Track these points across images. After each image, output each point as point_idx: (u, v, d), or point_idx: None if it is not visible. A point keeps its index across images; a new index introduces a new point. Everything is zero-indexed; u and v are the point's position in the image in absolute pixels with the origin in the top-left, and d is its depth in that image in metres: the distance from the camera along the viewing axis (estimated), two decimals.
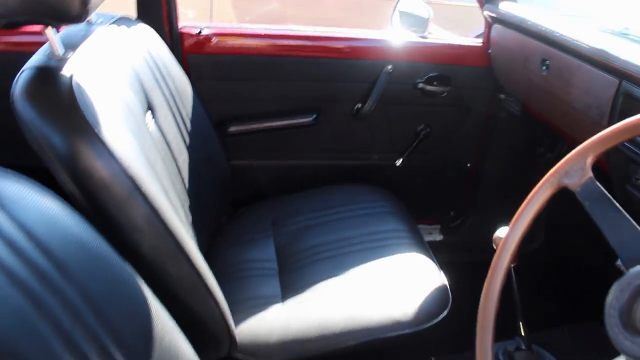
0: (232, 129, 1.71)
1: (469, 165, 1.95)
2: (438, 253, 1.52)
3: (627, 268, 0.72)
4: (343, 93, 1.73)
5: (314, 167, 1.82)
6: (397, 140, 1.84)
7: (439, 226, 2.07)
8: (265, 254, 1.44)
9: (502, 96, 1.75)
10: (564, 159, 0.85)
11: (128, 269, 0.83)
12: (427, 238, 2.01)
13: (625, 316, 0.69)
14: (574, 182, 0.83)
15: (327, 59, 1.67)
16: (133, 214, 0.95)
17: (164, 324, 0.87)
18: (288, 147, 1.80)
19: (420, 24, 1.72)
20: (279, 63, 1.66)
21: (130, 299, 0.82)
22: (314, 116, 1.72)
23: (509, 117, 1.78)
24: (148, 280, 0.88)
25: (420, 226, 1.99)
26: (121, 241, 0.89)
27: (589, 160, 0.82)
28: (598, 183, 0.81)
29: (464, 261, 1.47)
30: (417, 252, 1.38)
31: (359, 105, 1.73)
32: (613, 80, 1.16)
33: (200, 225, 1.27)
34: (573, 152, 0.84)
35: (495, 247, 0.96)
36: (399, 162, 1.86)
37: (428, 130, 1.81)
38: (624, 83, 1.14)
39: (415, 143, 1.83)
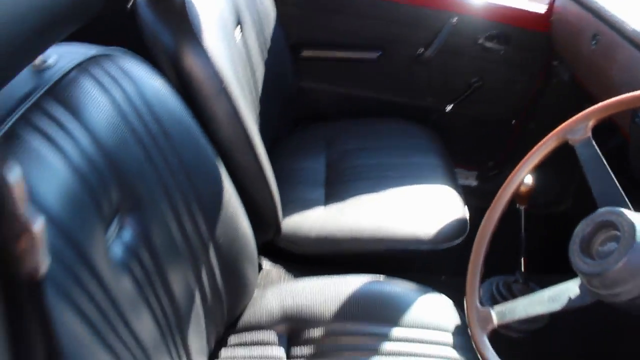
0: (306, 53, 1.90)
1: (514, 122, 2.09)
2: (469, 197, 1.71)
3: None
4: (408, 37, 1.87)
5: (371, 99, 2.00)
6: (451, 88, 1.99)
7: (475, 173, 2.23)
8: (317, 166, 1.66)
9: (555, 63, 1.87)
10: (571, 119, 1.03)
11: (210, 147, 1.06)
12: (462, 181, 2.18)
13: (585, 244, 0.88)
14: (575, 139, 1.02)
15: (398, 4, 1.81)
16: (217, 108, 1.17)
17: (231, 197, 1.10)
18: (351, 78, 1.98)
19: None
20: (354, 1, 1.82)
21: (209, 170, 1.05)
22: (379, 53, 1.89)
23: (559, 84, 1.90)
24: (224, 165, 1.11)
25: (457, 169, 2.17)
26: (205, 130, 1.12)
27: (591, 123, 1.01)
28: (594, 143, 0.99)
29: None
30: (447, 186, 1.57)
31: (421, 50, 1.89)
32: None
33: (266, 131, 1.49)
34: (579, 114, 1.02)
35: None
36: (448, 108, 2.02)
37: (480, 83, 1.96)
38: None
39: (467, 93, 1.98)
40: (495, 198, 1.11)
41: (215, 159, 1.07)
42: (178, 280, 0.95)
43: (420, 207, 1.48)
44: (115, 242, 0.83)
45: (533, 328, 1.42)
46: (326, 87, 1.99)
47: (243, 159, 1.23)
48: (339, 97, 2.00)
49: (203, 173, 1.02)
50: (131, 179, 0.86)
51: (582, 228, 0.90)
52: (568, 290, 0.94)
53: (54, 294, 0.66)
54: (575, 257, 0.88)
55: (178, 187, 0.95)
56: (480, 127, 2.11)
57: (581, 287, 0.92)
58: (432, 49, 1.86)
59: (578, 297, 0.92)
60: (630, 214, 0.86)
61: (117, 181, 0.83)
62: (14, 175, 0.34)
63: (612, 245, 0.86)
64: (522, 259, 1.44)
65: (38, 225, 0.35)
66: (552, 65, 1.89)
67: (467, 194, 1.69)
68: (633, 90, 1.36)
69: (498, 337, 1.41)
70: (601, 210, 0.89)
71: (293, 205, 1.49)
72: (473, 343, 1.02)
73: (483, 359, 0.98)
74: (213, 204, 1.04)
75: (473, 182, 2.23)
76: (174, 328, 0.95)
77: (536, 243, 1.49)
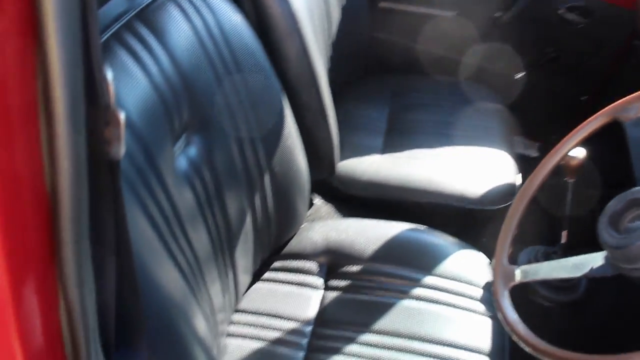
0: (383, 4, 1.92)
1: (584, 98, 2.07)
2: (527, 166, 1.72)
3: None
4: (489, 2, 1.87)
5: (442, 57, 2.00)
6: (523, 56, 1.98)
7: (537, 144, 2.22)
8: (379, 114, 1.71)
9: (637, 42, 1.83)
10: (625, 98, 1.04)
11: (277, 83, 1.13)
12: (522, 151, 2.18)
13: (615, 219, 0.92)
14: (626, 116, 1.03)
15: None
16: (289, 47, 1.23)
17: (291, 131, 1.17)
18: (425, 34, 1.98)
19: None
20: None
21: (274, 103, 1.13)
22: (455, 12, 1.88)
23: (637, 65, 1.86)
24: (288, 101, 1.18)
25: (519, 138, 2.17)
26: (275, 66, 1.18)
27: None
28: None
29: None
30: (503, 151, 1.60)
31: (499, 13, 1.87)
32: None
33: (334, 74, 1.54)
34: (633, 94, 1.03)
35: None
36: (519, 76, 2.01)
37: (555, 55, 1.94)
38: None
39: (540, 63, 1.97)
40: (539, 165, 1.14)
41: (281, 94, 1.14)
42: (233, 201, 1.05)
43: (472, 167, 1.51)
44: (181, 156, 0.92)
45: (565, 300, 1.46)
46: (399, 40, 2.00)
47: (308, 98, 1.30)
48: (410, 51, 2.02)
49: (267, 105, 1.10)
50: (202, 101, 0.95)
51: (615, 203, 0.93)
52: (593, 260, 0.98)
53: (125, 190, 0.75)
54: (603, 229, 0.92)
55: (243, 115, 1.03)
56: (549, 100, 2.09)
57: (605, 259, 0.96)
58: (510, 13, 1.84)
59: (600, 268, 0.96)
60: None
61: (189, 101, 0.92)
62: (110, 74, 0.42)
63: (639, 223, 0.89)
64: (564, 232, 1.46)
65: (122, 116, 0.43)
66: (633, 45, 1.85)
67: (525, 164, 1.71)
68: None
69: (529, 303, 1.45)
70: (637, 188, 0.92)
71: (351, 148, 1.56)
72: (493, 295, 1.07)
73: (499, 309, 1.03)
74: (273, 135, 1.12)
75: (534, 153, 2.22)
76: (224, 244, 1.04)
77: (583, 219, 1.51)
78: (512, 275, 1.04)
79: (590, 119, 1.09)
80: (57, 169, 0.39)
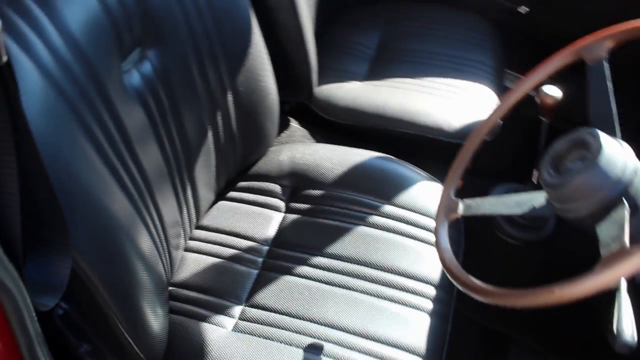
0: None
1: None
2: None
3: None
4: None
5: None
6: None
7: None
8: (369, 41, 1.67)
9: None
10: (590, 36, 1.01)
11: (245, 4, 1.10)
12: (511, 85, 2.13)
13: (557, 159, 0.91)
14: (590, 57, 1.00)
15: None
16: None
17: (259, 49, 1.15)
18: None
19: None
20: None
21: (239, 20, 1.10)
22: None
23: None
24: (262, 22, 1.15)
25: (511, 73, 2.11)
26: None
27: (607, 43, 0.98)
28: (607, 65, 0.98)
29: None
30: (489, 87, 1.56)
31: None
32: None
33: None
34: (596, 33, 1.00)
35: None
36: (523, 10, 1.93)
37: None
38: None
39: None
40: (502, 99, 1.12)
41: (249, 11, 1.12)
42: (192, 119, 1.05)
43: (454, 100, 1.49)
44: (133, 72, 0.91)
45: (531, 238, 1.47)
46: None
47: (284, 18, 1.27)
48: None
49: (232, 21, 1.08)
50: (156, 15, 0.93)
51: (559, 143, 0.91)
52: (535, 199, 0.98)
53: (68, 114, 0.75)
54: (543, 168, 0.91)
55: (204, 31, 1.02)
56: (548, 38, 2.01)
57: (546, 198, 0.96)
58: None
59: (541, 207, 0.96)
60: (605, 137, 0.87)
61: (142, 15, 0.90)
62: None
63: (579, 164, 0.88)
64: (535, 172, 1.45)
65: None
66: None
67: None
68: None
69: (495, 240, 1.47)
70: (581, 129, 0.90)
71: (333, 73, 1.54)
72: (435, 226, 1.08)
73: (436, 241, 1.04)
74: (238, 53, 1.10)
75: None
76: (182, 162, 1.05)
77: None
78: (455, 207, 1.05)
79: (554, 55, 1.06)
80: None
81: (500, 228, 1.48)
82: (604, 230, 0.84)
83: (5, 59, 0.45)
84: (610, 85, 0.96)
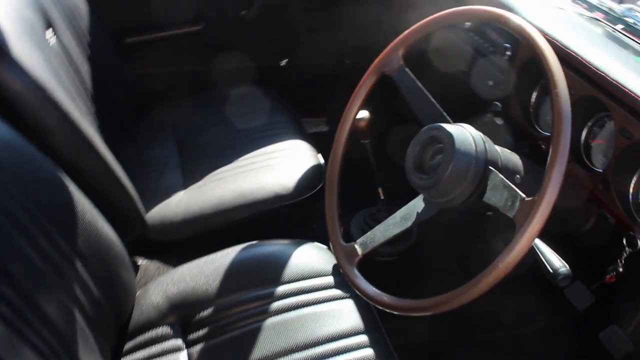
0: (129, 40, 1.83)
1: (348, 62, 2.17)
2: (325, 142, 1.78)
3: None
4: (231, 3, 1.86)
5: (207, 70, 1.97)
6: (281, 42, 2.02)
7: (325, 119, 2.31)
8: (168, 151, 1.64)
9: None
10: (383, 53, 1.11)
11: (47, 161, 1.01)
12: (313, 130, 2.25)
13: (418, 162, 0.97)
14: (391, 69, 1.10)
15: None
16: (46, 119, 1.11)
17: (84, 204, 1.06)
18: (182, 54, 1.94)
19: None
20: None
21: (52, 183, 1.01)
22: (203, 24, 1.86)
23: None
24: (70, 174, 1.07)
25: (306, 119, 2.23)
26: (41, 144, 1.07)
27: (400, 52, 1.10)
28: (408, 70, 1.08)
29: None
30: (297, 139, 1.62)
31: (245, 12, 1.88)
32: None
33: (108, 128, 1.44)
34: (388, 47, 1.10)
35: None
36: (283, 62, 2.05)
37: (306, 30, 2.00)
38: None
39: (298, 44, 2.02)
40: (335, 140, 1.18)
41: (57, 171, 1.03)
42: (52, 305, 0.92)
43: (276, 165, 1.52)
44: None
45: (401, 249, 1.54)
46: (160, 69, 1.94)
47: (88, 163, 1.19)
48: (174, 76, 1.97)
49: (46, 188, 0.98)
50: None
51: (412, 149, 0.98)
52: (415, 207, 1.03)
53: None
54: (411, 175, 0.97)
55: (22, 209, 0.91)
56: (317, 73, 2.16)
57: (424, 201, 1.02)
58: (254, 9, 1.86)
59: (424, 211, 1.01)
60: (448, 126, 0.95)
61: None
62: None
63: (439, 158, 0.95)
64: (379, 189, 1.53)
65: None
66: None
67: (322, 141, 1.76)
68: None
69: (372, 264, 1.51)
70: (424, 129, 0.98)
71: (153, 195, 1.47)
72: (345, 277, 1.09)
73: (356, 288, 1.05)
74: (66, 216, 1.01)
75: (324, 128, 2.30)
76: (62, 355, 0.92)
77: (390, 170, 1.59)
78: (354, 251, 1.06)
79: (361, 82, 1.15)
80: None
81: (375, 253, 1.53)
82: (494, 198, 0.90)
83: None
84: (419, 83, 1.06)
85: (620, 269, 1.10)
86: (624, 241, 1.06)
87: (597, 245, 1.20)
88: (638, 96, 0.98)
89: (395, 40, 1.11)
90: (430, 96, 1.05)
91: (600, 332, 1.54)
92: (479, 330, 1.58)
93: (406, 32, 1.10)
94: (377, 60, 1.13)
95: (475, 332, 1.57)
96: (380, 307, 1.00)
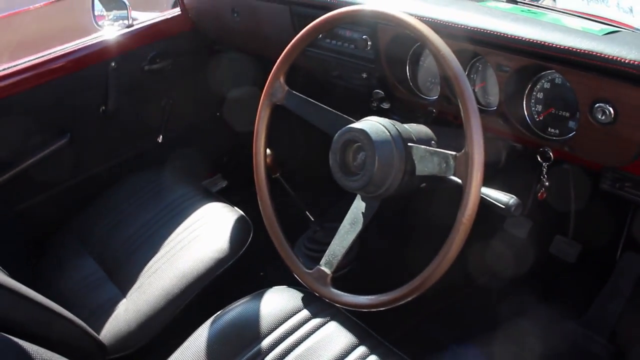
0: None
1: (218, 114, 2.19)
2: (232, 195, 1.78)
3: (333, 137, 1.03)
4: (83, 104, 1.80)
5: (89, 179, 1.90)
6: (152, 122, 2.00)
7: (219, 175, 2.30)
8: (89, 269, 1.56)
9: (217, 47, 2.00)
10: (266, 85, 1.14)
11: None
12: (216, 188, 2.24)
13: (344, 168, 1.00)
14: (280, 98, 1.13)
15: (54, 80, 1.70)
16: None
17: (38, 354, 1.00)
18: (58, 173, 1.84)
19: (122, 16, 1.85)
20: (6, 105, 1.64)
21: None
22: (68, 136, 1.77)
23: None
24: (11, 333, 1.00)
25: (205, 182, 2.21)
26: None
27: (282, 79, 1.13)
28: (295, 92, 1.12)
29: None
30: (209, 202, 1.61)
31: (103, 107, 1.84)
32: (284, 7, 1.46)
33: (17, 273, 1.35)
34: (269, 78, 1.14)
35: None
36: (160, 139, 2.03)
37: (171, 101, 2.00)
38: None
39: (166, 118, 2.01)
40: (256, 185, 1.19)
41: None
42: None
43: (202, 234, 1.50)
44: None
45: (351, 257, 1.57)
46: (42, 197, 1.83)
47: (21, 316, 1.12)
48: (58, 198, 1.85)
49: None
50: None
51: (333, 158, 1.01)
52: (358, 208, 1.06)
53: None
54: (344, 181, 1.00)
55: None
56: (196, 135, 2.16)
57: (364, 200, 1.05)
58: (112, 100, 1.82)
59: (368, 208, 1.04)
60: (357, 125, 0.99)
61: None
62: None
63: (362, 155, 0.99)
64: (307, 212, 1.56)
65: None
66: (217, 51, 2.01)
67: (229, 195, 1.75)
68: (285, 40, 1.49)
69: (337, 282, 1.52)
70: (336, 136, 1.02)
71: (96, 316, 1.40)
72: (327, 300, 1.09)
73: (345, 305, 1.05)
74: None
75: (223, 183, 2.29)
76: None
77: (308, 190, 1.62)
78: (323, 273, 1.07)
79: (256, 119, 1.17)
80: None
81: (312, 257, 1.55)
82: (427, 168, 0.94)
83: None
84: (310, 100, 1.10)
85: (547, 183, 1.18)
86: (539, 158, 1.14)
87: (518, 174, 1.29)
88: (500, 32, 1.06)
89: (274, 70, 1.14)
90: (325, 106, 1.08)
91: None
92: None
93: (280, 58, 1.13)
94: (263, 95, 1.16)
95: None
96: (382, 309, 1.01)
